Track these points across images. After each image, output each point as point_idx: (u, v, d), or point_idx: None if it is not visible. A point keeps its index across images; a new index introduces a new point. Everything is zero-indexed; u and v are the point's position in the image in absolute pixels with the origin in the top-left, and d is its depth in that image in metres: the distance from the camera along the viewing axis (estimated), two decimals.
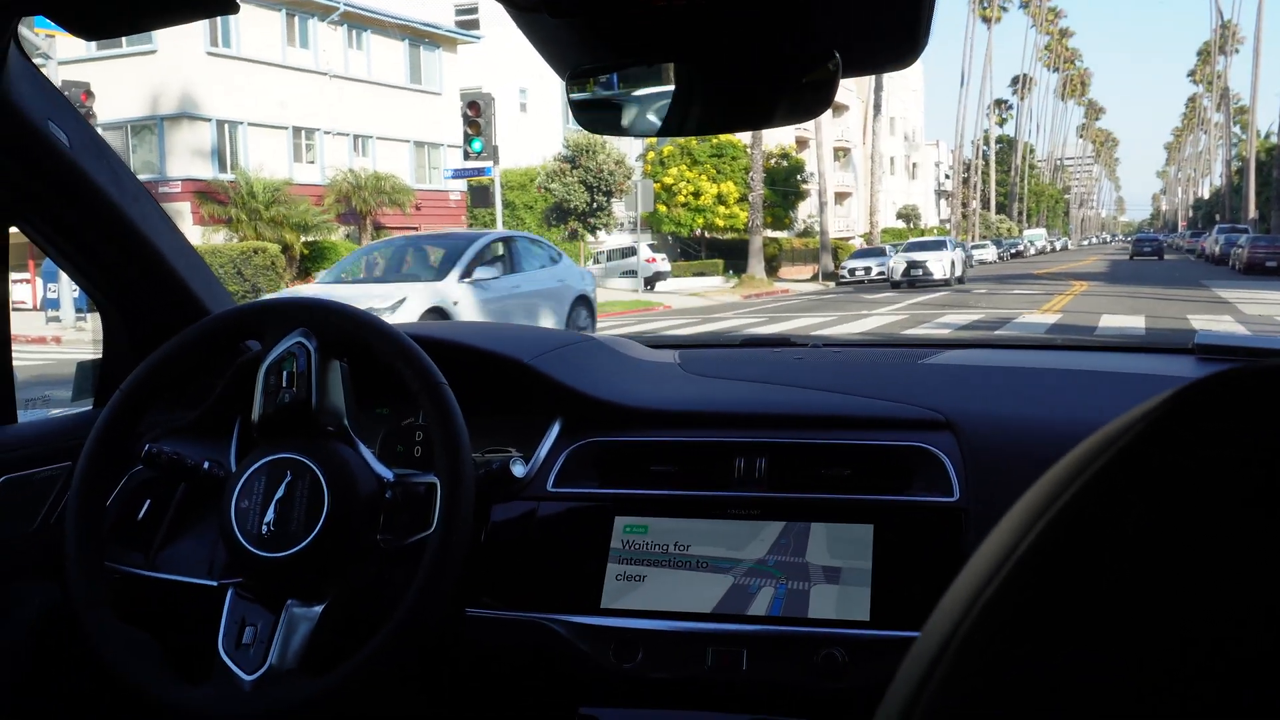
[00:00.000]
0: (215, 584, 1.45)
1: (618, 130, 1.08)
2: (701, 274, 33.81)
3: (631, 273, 28.96)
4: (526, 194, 29.87)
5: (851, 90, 58.24)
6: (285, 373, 1.35)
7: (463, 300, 11.70)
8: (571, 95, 1.04)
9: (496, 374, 1.63)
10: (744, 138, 33.70)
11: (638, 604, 1.40)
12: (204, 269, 1.79)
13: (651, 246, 31.82)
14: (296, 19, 27.14)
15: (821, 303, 23.73)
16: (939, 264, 28.88)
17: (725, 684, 1.35)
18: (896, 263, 29.77)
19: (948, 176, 77.17)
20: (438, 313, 11.21)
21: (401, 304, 11.03)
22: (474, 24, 33.66)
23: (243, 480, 1.34)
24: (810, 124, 43.41)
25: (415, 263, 12.85)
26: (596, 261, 31.33)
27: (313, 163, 27.69)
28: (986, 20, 79.54)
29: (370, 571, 1.37)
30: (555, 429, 1.60)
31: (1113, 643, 0.31)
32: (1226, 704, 0.29)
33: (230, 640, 1.30)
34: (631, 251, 29.74)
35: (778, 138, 41.53)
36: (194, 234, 23.66)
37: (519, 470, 1.46)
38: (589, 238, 23.58)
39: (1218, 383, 0.35)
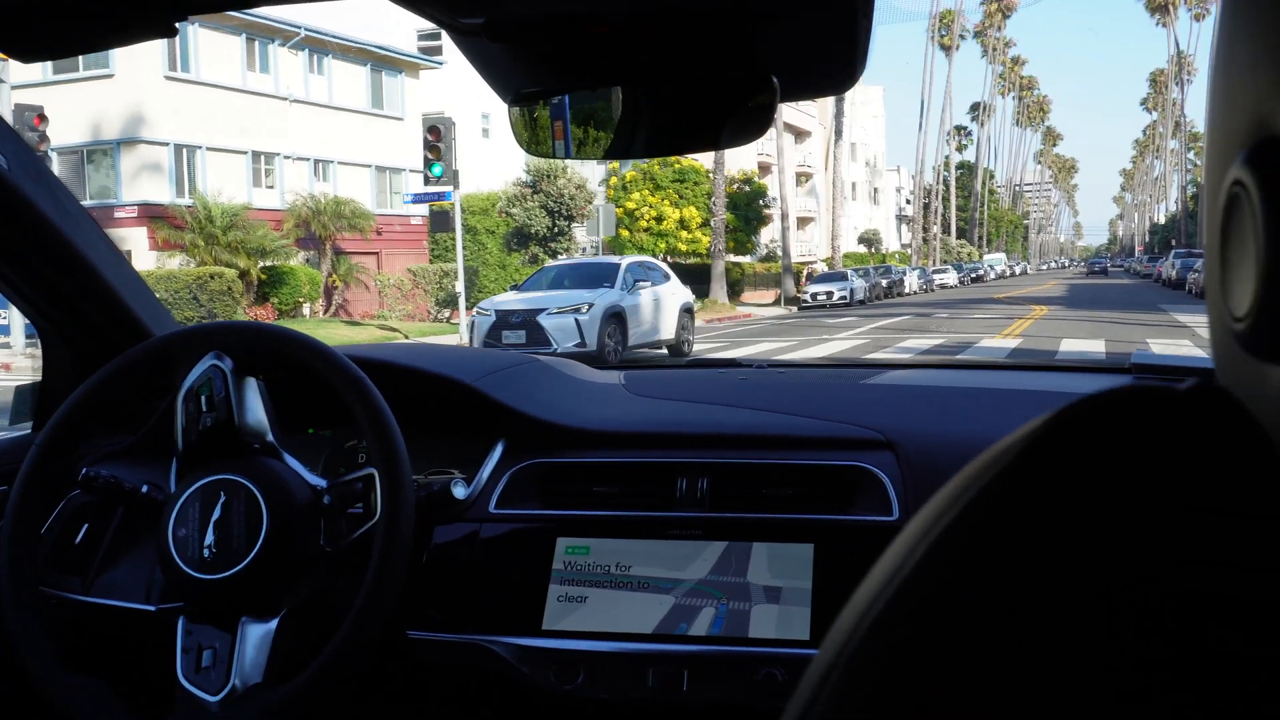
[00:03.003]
0: (154, 609, 1.44)
1: (562, 153, 1.09)
2: None
3: None
4: (489, 219, 29.75)
5: (814, 116, 58.61)
6: (204, 397, 1.36)
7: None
8: (514, 119, 1.05)
9: (440, 396, 1.63)
10: (706, 163, 33.76)
11: (579, 625, 1.41)
12: (146, 292, 1.78)
13: None
14: (256, 43, 26.96)
15: (783, 327, 23.76)
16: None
17: (666, 704, 1.36)
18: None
19: (909, 202, 77.83)
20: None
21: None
22: (437, 50, 33.53)
23: (177, 508, 1.33)
24: (772, 149, 43.65)
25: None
26: None
27: (272, 187, 27.44)
28: (945, 49, 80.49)
29: (320, 578, 1.36)
30: (498, 450, 1.60)
31: (997, 659, 0.32)
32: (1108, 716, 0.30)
33: (190, 666, 1.29)
34: None
35: (740, 162, 41.65)
36: (149, 259, 23.35)
37: (460, 492, 1.46)
38: (549, 262, 23.54)
39: (1095, 404, 0.36)
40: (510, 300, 15.57)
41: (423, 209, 26.88)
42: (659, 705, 1.36)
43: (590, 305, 14.50)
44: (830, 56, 0.95)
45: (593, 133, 1.06)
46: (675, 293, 17.02)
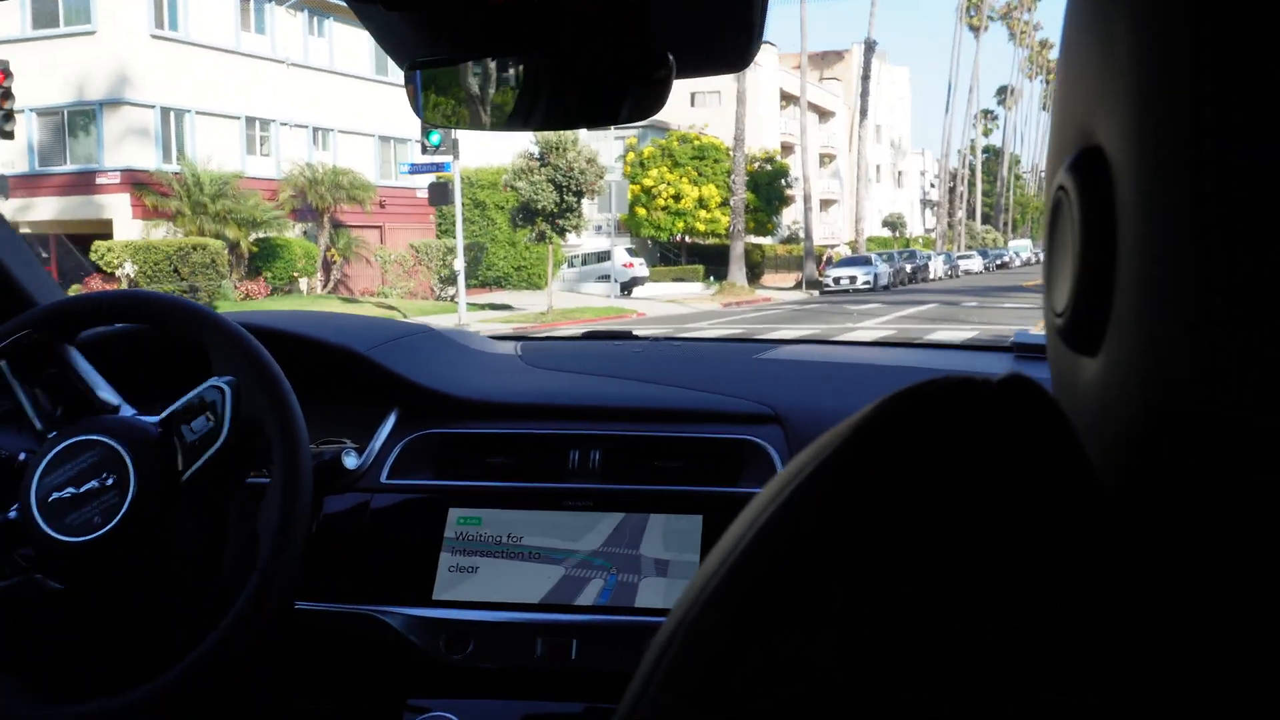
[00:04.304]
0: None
1: (460, 124, 1.09)
2: (681, 280, 32.86)
3: (607, 277, 27.88)
4: (498, 193, 28.67)
5: (838, 96, 57.44)
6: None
7: None
8: (410, 88, 1.04)
9: (332, 364, 1.61)
10: (727, 139, 32.75)
11: (469, 595, 1.42)
12: (27, 255, 1.72)
13: (630, 250, 30.89)
14: (252, 2, 25.89)
15: (804, 313, 22.50)
16: None
17: (555, 673, 1.38)
18: None
19: (934, 185, 76.51)
20: None
21: None
22: None
23: (38, 514, 1.28)
24: (795, 128, 42.67)
25: None
26: (571, 265, 30.28)
27: (268, 155, 26.37)
28: (974, 29, 78.91)
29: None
30: (391, 420, 1.60)
31: (824, 631, 0.35)
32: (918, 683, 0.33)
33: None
34: (608, 255, 28.63)
35: (762, 141, 40.49)
36: (134, 228, 22.39)
37: (351, 462, 1.47)
38: (558, 240, 22.27)
39: (912, 396, 0.40)
40: None
41: (431, 179, 25.91)
42: (548, 674, 1.38)
43: None
44: (725, 34, 0.96)
45: (491, 103, 1.05)
46: None
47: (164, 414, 1.32)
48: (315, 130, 27.35)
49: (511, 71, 1.02)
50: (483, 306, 22.90)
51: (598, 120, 1.09)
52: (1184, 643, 0.33)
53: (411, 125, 28.16)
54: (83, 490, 1.27)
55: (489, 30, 0.97)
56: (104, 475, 1.27)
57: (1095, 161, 0.35)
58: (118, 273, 20.56)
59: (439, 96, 1.05)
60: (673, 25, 0.94)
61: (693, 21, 0.94)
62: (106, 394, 1.37)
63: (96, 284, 20.13)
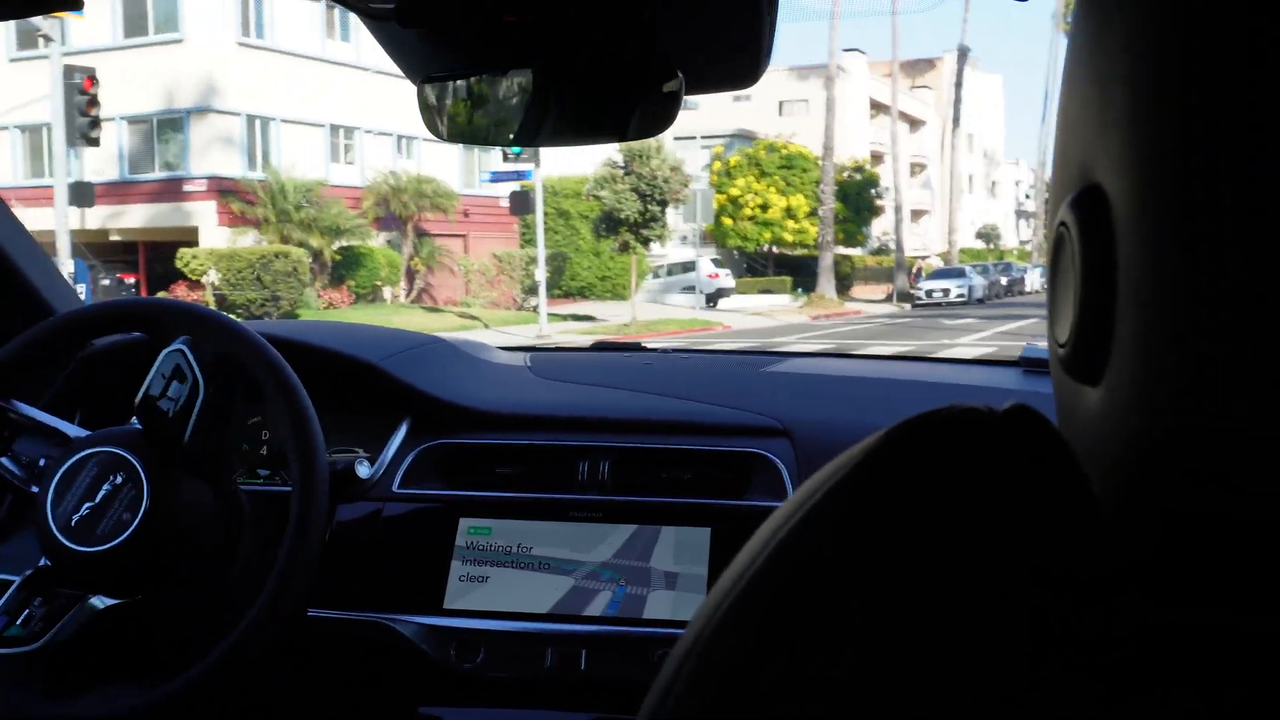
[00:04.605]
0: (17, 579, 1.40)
1: (470, 138, 1.10)
2: (768, 291, 32.23)
3: (692, 288, 27.39)
4: (582, 203, 28.34)
5: (929, 105, 56.23)
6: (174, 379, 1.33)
7: None
8: (421, 101, 1.05)
9: (344, 374, 1.63)
10: (815, 149, 32.06)
11: (480, 604, 1.44)
12: (48, 265, 1.75)
13: (715, 261, 30.36)
14: (337, 10, 25.77)
15: (896, 328, 21.68)
16: None
17: (564, 683, 1.40)
18: None
19: (1029, 196, 74.69)
20: None
21: None
22: None
23: (55, 524, 1.29)
24: (885, 137, 41.79)
25: None
26: (655, 276, 29.82)
27: (352, 163, 26.24)
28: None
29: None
30: (402, 430, 1.61)
31: (844, 647, 0.35)
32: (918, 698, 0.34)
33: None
34: (693, 266, 28.14)
35: (851, 150, 39.66)
36: (220, 235, 22.41)
37: (364, 471, 1.49)
38: (642, 250, 21.76)
39: (918, 425, 0.40)
40: None
41: (512, 188, 25.61)
42: (558, 684, 1.39)
43: None
44: (734, 50, 0.97)
45: (501, 117, 1.06)
46: None
47: (136, 403, 1.31)
48: (399, 138, 27.13)
49: (522, 85, 1.02)
50: (565, 317, 22.53)
51: (607, 135, 1.10)
52: (1179, 655, 0.33)
53: None
54: (99, 500, 1.26)
55: (501, 44, 0.98)
56: (112, 477, 1.27)
57: (1095, 199, 0.36)
58: (203, 279, 20.60)
59: (451, 111, 1.05)
60: (680, 42, 0.95)
61: (701, 39, 0.94)
62: (68, 428, 1.36)
63: (182, 290, 20.18)
